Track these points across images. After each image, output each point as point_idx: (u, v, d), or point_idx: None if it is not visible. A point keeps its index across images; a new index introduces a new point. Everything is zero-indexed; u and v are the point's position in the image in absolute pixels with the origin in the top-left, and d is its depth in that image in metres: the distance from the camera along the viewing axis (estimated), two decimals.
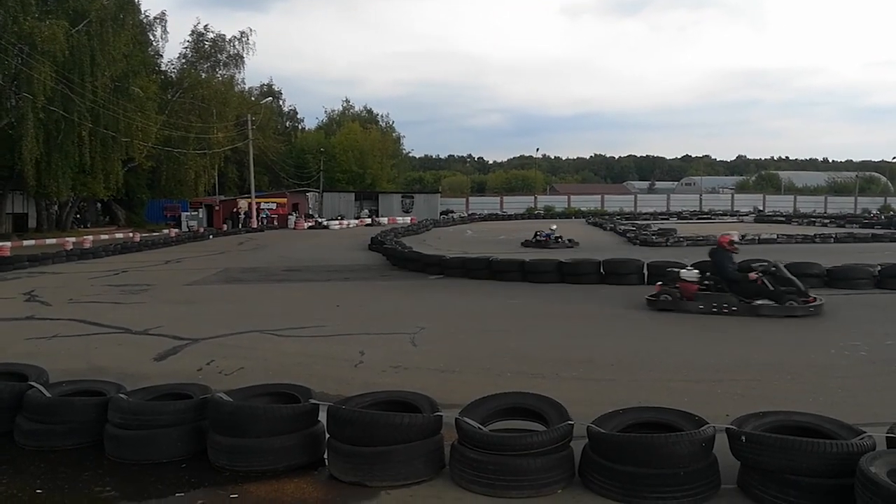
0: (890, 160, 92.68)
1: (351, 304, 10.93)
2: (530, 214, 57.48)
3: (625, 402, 4.79)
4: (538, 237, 23.48)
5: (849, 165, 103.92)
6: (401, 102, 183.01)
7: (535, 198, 68.27)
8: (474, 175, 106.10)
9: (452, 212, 56.68)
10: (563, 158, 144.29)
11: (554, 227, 24.68)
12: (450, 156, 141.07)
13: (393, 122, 77.35)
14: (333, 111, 75.03)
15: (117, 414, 4.32)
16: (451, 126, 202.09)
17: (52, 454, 4.35)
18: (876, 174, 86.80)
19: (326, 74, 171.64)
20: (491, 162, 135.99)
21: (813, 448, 3.30)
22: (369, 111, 76.32)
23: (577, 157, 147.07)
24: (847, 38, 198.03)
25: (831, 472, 3.26)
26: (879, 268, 12.03)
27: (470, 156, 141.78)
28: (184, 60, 46.51)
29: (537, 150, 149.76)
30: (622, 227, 32.25)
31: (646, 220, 45.18)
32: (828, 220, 39.61)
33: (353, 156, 61.63)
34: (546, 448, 3.60)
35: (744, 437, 3.47)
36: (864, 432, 3.50)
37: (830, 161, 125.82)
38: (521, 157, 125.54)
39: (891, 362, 6.59)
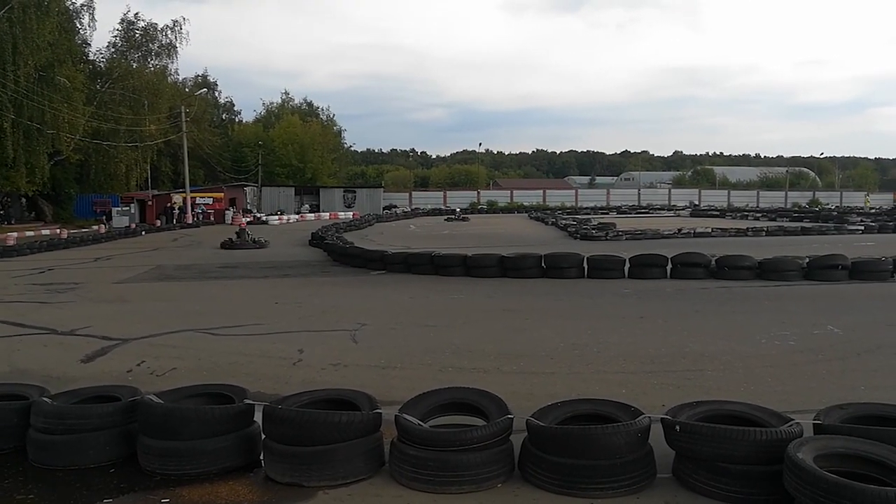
0: (818, 156, 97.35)
1: (290, 302, 10.71)
2: (473, 209, 57.74)
3: (564, 394, 4.83)
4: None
5: (780, 161, 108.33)
6: (343, 96, 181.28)
7: (479, 193, 68.68)
8: (417, 170, 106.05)
9: (395, 207, 56.50)
10: (506, 153, 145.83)
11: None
12: (393, 150, 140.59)
13: (334, 115, 76.69)
14: (272, 104, 73.82)
15: (40, 418, 4.11)
16: (394, 120, 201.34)
17: None
18: (805, 169, 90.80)
19: (266, 66, 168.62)
20: (434, 157, 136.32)
21: (743, 436, 3.39)
22: (310, 104, 75.40)
23: (520, 153, 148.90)
24: (779, 38, 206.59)
25: (761, 459, 3.35)
26: (808, 260, 12.56)
27: (413, 150, 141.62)
28: (113, 50, 44.85)
29: (480, 144, 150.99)
30: (563, 221, 32.76)
31: (587, 214, 46.05)
32: (760, 214, 41.23)
33: (292, 149, 60.69)
34: (485, 442, 3.59)
35: (678, 427, 3.53)
36: (792, 420, 3.62)
37: (763, 157, 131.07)
38: (465, 151, 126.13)
39: (818, 351, 6.87)
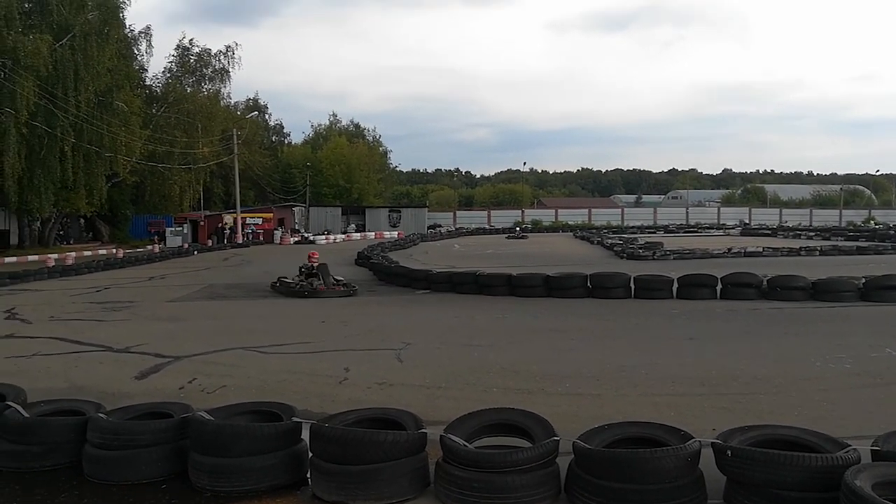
0: (873, 173, 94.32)
1: (336, 321, 10.85)
2: (518, 228, 57.61)
3: (611, 416, 4.76)
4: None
5: (833, 179, 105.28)
6: (388, 117, 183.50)
7: (523, 212, 68.46)
8: (462, 189, 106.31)
9: (440, 226, 56.74)
10: (551, 172, 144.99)
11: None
12: (437, 170, 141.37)
13: (380, 136, 77.63)
14: (320, 125, 75.09)
15: (96, 434, 4.24)
16: (438, 140, 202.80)
17: (30, 475, 4.25)
18: (860, 187, 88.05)
19: (314, 89, 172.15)
20: (478, 176, 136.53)
21: (798, 462, 3.29)
22: (356, 125, 76.48)
23: (565, 171, 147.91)
24: (827, 52, 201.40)
25: (816, 485, 3.25)
26: (864, 280, 12.13)
27: (457, 170, 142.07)
28: (169, 75, 46.43)
29: (524, 163, 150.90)
30: (609, 240, 32.40)
31: (633, 233, 45.41)
32: (813, 233, 40.01)
33: (339, 170, 61.59)
34: (531, 464, 3.56)
35: (729, 452, 3.45)
36: (849, 445, 3.49)
37: (815, 174, 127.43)
38: (509, 171, 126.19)
39: (875, 375, 6.62)
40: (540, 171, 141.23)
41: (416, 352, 8.06)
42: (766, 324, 9.85)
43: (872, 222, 56.07)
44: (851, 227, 48.79)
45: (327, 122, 75.25)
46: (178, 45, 46.89)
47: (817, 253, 24.59)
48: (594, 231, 46.23)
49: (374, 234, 48.09)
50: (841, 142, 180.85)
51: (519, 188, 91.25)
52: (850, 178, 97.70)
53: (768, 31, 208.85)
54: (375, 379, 6.69)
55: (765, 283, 12.30)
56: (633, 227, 55.87)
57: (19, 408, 4.60)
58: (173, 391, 6.29)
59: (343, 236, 47.23)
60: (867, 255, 24.20)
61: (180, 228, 41.98)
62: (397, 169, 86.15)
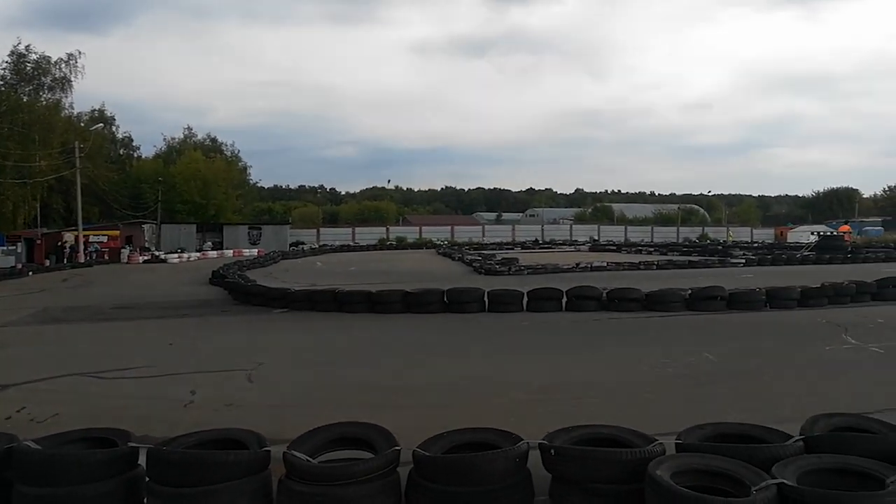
0: (707, 194, 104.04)
1: (185, 343, 10.41)
2: (382, 245, 57.82)
3: (456, 425, 4.98)
4: None
5: (672, 198, 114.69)
6: (250, 132, 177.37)
7: (388, 228, 68.87)
8: (326, 206, 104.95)
9: (303, 243, 55.71)
10: (416, 190, 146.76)
11: None
12: (301, 186, 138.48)
13: (238, 151, 74.81)
14: (174, 139, 71.40)
15: None
16: (302, 157, 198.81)
17: None
18: (695, 206, 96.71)
19: (168, 102, 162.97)
20: (343, 193, 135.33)
21: (609, 457, 3.66)
22: (213, 139, 73.41)
23: (429, 189, 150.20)
24: (668, 84, 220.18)
25: (626, 477, 3.61)
26: (689, 292, 13.41)
27: (322, 186, 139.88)
28: (2, 83, 42.36)
29: (389, 181, 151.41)
30: (469, 257, 33.38)
31: (493, 250, 47.03)
32: (653, 249, 43.54)
33: (195, 185, 58.86)
34: (372, 475, 3.69)
35: (553, 451, 3.77)
36: (656, 440, 3.92)
37: (657, 194, 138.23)
38: (374, 188, 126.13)
39: (691, 377, 7.39)
40: (405, 189, 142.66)
41: (269, 372, 7.95)
42: (604, 333, 10.65)
43: (710, 239, 61.89)
44: (687, 243, 53.50)
45: (181, 136, 71.81)
46: (12, 52, 42.84)
47: (654, 267, 26.73)
48: (456, 248, 47.38)
49: (232, 251, 46.38)
50: (680, 165, 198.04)
51: (384, 205, 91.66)
52: (687, 199, 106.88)
53: (615, 62, 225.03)
54: (224, 401, 6.54)
55: (604, 295, 13.26)
56: (493, 243, 57.87)
57: None
58: None
59: (198, 255, 45.12)
60: (697, 268, 26.61)
61: (13, 248, 38.20)
62: (258, 185, 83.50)
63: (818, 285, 13.87)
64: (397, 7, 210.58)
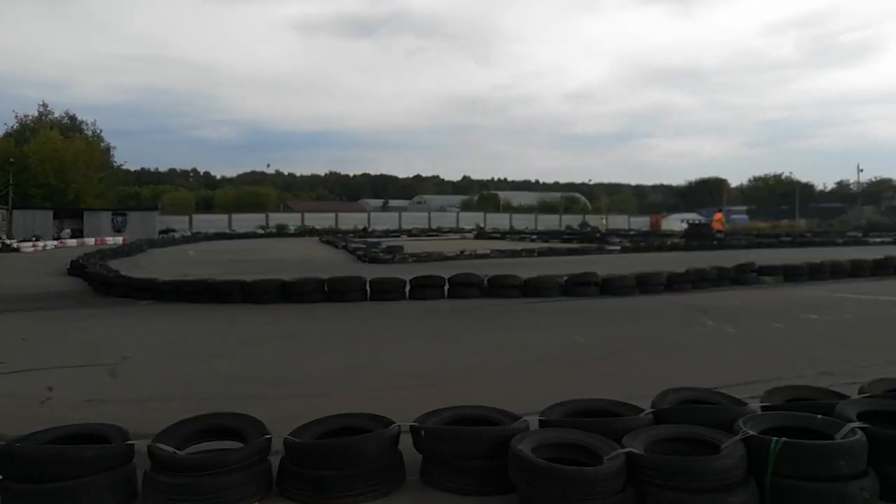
0: (588, 182, 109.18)
1: (40, 338, 9.69)
2: (262, 233, 56.21)
3: (334, 413, 5.00)
4: None
5: (555, 187, 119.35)
6: (115, 110, 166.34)
7: (268, 215, 66.99)
8: (200, 191, 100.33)
9: (174, 230, 53.18)
10: (298, 175, 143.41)
11: None
12: (171, 169, 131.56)
13: (101, 130, 69.90)
14: (27, 116, 65.68)
15: None
16: (174, 138, 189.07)
17: None
18: (577, 194, 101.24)
19: (21, 75, 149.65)
20: (219, 177, 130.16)
21: (475, 435, 3.83)
22: (72, 117, 68.20)
23: (313, 174, 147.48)
24: (549, 72, 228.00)
25: (492, 454, 3.78)
26: (565, 278, 14.04)
27: (195, 170, 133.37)
28: None
29: (268, 165, 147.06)
30: (353, 245, 33.16)
31: (378, 237, 46.96)
32: (536, 236, 45.14)
33: (51, 167, 54.56)
34: (242, 464, 3.65)
35: (423, 432, 3.88)
36: (521, 418, 4.13)
37: (541, 182, 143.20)
38: (253, 172, 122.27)
39: (562, 360, 7.78)
40: (287, 174, 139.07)
41: (134, 366, 7.57)
42: (483, 319, 10.96)
43: (590, 227, 64.89)
44: (568, 231, 55.95)
45: (36, 113, 66.15)
46: None
47: (535, 254, 27.68)
48: (340, 235, 46.91)
49: (94, 240, 43.52)
50: (563, 154, 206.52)
51: (264, 191, 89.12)
52: (569, 187, 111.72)
53: (500, 49, 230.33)
54: (84, 397, 6.17)
55: (485, 282, 13.64)
56: (379, 231, 57.81)
57: None
58: None
59: (56, 243, 41.94)
60: (576, 255, 27.85)
61: None
62: (123, 167, 78.33)
63: (683, 271, 14.90)
64: None
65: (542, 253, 28.21)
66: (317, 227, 60.40)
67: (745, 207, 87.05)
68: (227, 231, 56.53)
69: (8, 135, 62.00)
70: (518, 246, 32.63)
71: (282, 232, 57.77)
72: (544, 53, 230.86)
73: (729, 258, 19.77)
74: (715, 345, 8.74)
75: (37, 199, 53.43)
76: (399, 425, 3.97)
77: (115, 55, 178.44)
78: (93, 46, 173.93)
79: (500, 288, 13.49)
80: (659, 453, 3.60)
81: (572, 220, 74.69)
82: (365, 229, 60.51)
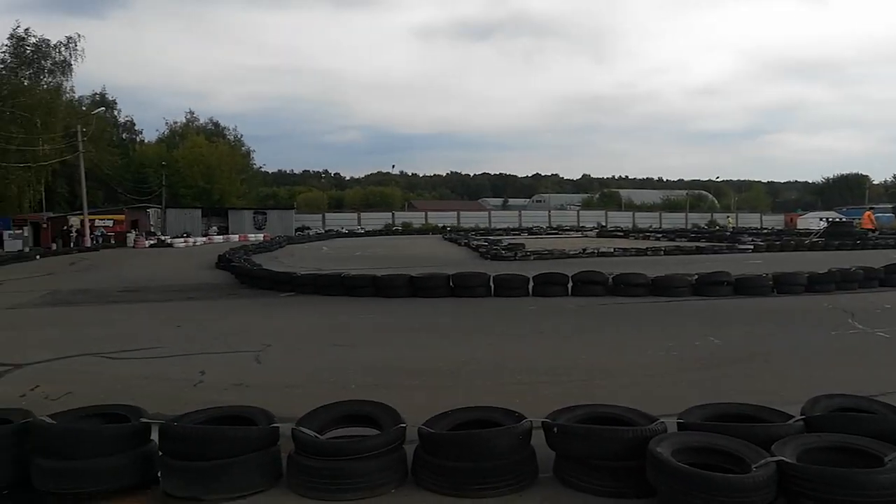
0: (715, 180, 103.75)
1: (193, 325, 10.53)
2: (388, 230, 57.90)
3: (462, 405, 5.06)
4: None
5: (680, 184, 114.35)
6: (253, 117, 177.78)
7: (393, 214, 68.93)
8: (331, 191, 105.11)
9: (308, 228, 55.93)
10: (421, 175, 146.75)
11: None
12: (305, 171, 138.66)
13: (241, 135, 75.01)
14: (176, 123, 71.48)
15: None
16: (306, 142, 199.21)
17: None
18: (704, 192, 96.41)
19: (170, 86, 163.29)
20: (348, 178, 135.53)
21: (612, 434, 3.73)
22: (216, 124, 73.59)
23: (435, 175, 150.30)
24: (674, 69, 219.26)
25: (629, 455, 3.68)
26: (696, 277, 13.42)
27: (326, 171, 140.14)
28: (1, 66, 42.38)
29: (393, 166, 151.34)
30: (475, 242, 33.41)
31: (499, 235, 47.01)
32: (661, 235, 43.41)
33: (198, 170, 59.03)
34: (379, 451, 3.78)
35: (555, 429, 3.84)
36: (658, 419, 3.99)
37: (665, 180, 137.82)
38: (379, 173, 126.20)
39: (696, 360, 7.44)
40: (410, 174, 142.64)
41: (276, 353, 8.05)
42: (609, 317, 10.70)
43: (718, 225, 61.60)
44: (695, 230, 53.41)
45: (184, 120, 71.83)
46: (11, 35, 42.83)
47: (661, 253, 26.65)
48: (462, 233, 47.43)
49: (237, 236, 46.58)
50: (687, 151, 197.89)
51: (389, 191, 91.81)
52: (695, 185, 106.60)
53: (618, 48, 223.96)
54: (232, 381, 6.63)
55: (610, 280, 13.30)
56: (499, 229, 57.84)
57: None
58: (14, 399, 5.88)
59: (204, 239, 45.34)
60: (705, 254, 26.55)
61: (20, 231, 38.49)
62: (262, 169, 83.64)
63: (825, 271, 13.85)
64: None
65: (668, 251, 27.08)
66: (439, 225, 61.47)
67: (890, 205, 79.62)
68: (356, 228, 58.73)
69: (160, 140, 67.85)
70: (642, 244, 31.53)
71: (406, 229, 59.24)
72: (665, 49, 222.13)
73: (875, 258, 18.11)
74: (865, 349, 8.02)
75: (186, 199, 58.01)
76: (531, 421, 3.95)
77: (252, 66, 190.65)
78: (232, 59, 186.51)
79: (626, 286, 13.11)
80: (813, 463, 3.35)
81: (699, 219, 71.13)
82: (486, 228, 60.87)
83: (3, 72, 42.08)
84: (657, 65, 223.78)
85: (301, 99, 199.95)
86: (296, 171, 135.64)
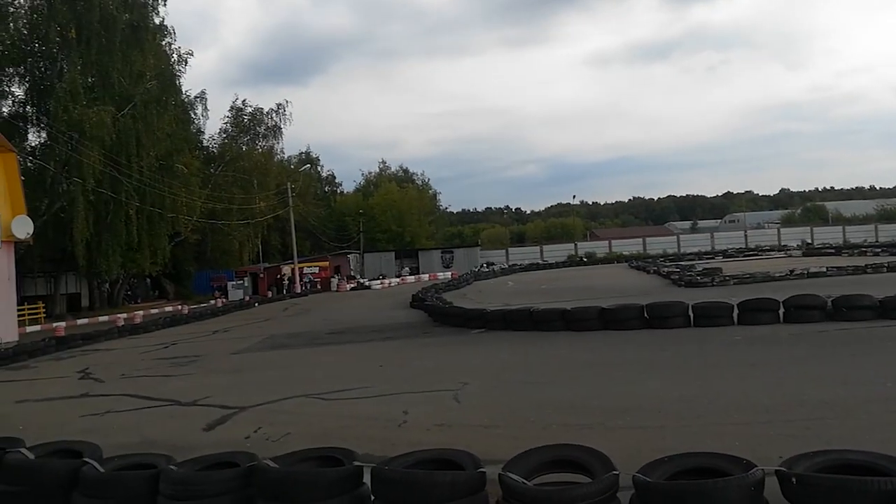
0: None
1: (394, 364, 10.98)
2: (571, 261, 57.13)
3: (673, 449, 4.66)
4: None
5: None
6: (436, 160, 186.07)
7: (576, 245, 67.92)
8: (513, 226, 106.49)
9: (493, 264, 56.72)
10: (602, 203, 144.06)
11: None
12: (487, 208, 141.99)
13: (428, 179, 79.11)
14: (370, 173, 76.93)
15: (168, 485, 4.41)
16: (487, 180, 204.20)
17: None
18: None
19: (363, 140, 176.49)
20: (528, 212, 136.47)
21: (868, 487, 3.19)
22: (405, 170, 78.11)
23: (616, 202, 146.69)
24: (875, 65, 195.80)
25: None
26: None
27: (507, 207, 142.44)
28: (224, 135, 48.59)
29: (574, 196, 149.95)
30: (665, 269, 31.80)
31: (690, 260, 44.38)
32: (879, 249, 38.36)
33: (391, 215, 62.71)
34: (591, 500, 3.55)
35: (794, 479, 3.38)
36: None
37: (878, 188, 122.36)
38: (559, 204, 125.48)
39: None
40: (591, 203, 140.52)
41: (474, 391, 8.10)
42: (832, 346, 9.52)
43: None
44: None
45: (377, 170, 77.08)
46: (231, 107, 49.21)
47: (885, 269, 23.56)
48: (650, 260, 45.49)
49: (427, 275, 48.44)
50: None
51: (570, 221, 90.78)
52: None
53: (811, 49, 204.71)
54: (434, 420, 6.74)
55: (829, 303, 11.87)
56: (689, 253, 54.56)
57: (95, 463, 4.83)
58: (240, 441, 6.47)
59: (398, 280, 47.74)
60: None
61: (241, 282, 43.23)
62: (447, 210, 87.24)
63: None
64: (571, 23, 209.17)
65: (892, 268, 23.77)
66: (624, 252, 59.50)
67: None
68: (538, 261, 58.66)
69: (357, 190, 73.33)
70: (859, 261, 28.02)
71: (590, 259, 58.03)
72: (867, 45, 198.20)
73: None
74: None
75: (381, 243, 61.81)
76: (763, 469, 3.51)
77: (434, 113, 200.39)
78: (415, 108, 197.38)
79: (848, 309, 11.59)
80: None
81: None
82: (675, 253, 57.84)
83: (226, 140, 48.14)
84: (859, 62, 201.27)
85: (479, 139, 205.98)
86: (479, 209, 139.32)
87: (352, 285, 44.30)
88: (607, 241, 69.19)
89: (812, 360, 8.63)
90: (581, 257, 59.55)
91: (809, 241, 58.54)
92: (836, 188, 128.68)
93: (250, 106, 49.27)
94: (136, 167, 31.99)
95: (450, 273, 47.92)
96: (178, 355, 14.81)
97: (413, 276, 49.41)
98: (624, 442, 5.44)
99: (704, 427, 5.84)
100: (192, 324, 24.48)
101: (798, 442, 5.02)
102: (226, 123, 48.75)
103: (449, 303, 19.39)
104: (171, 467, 4.61)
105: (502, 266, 54.19)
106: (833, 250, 41.68)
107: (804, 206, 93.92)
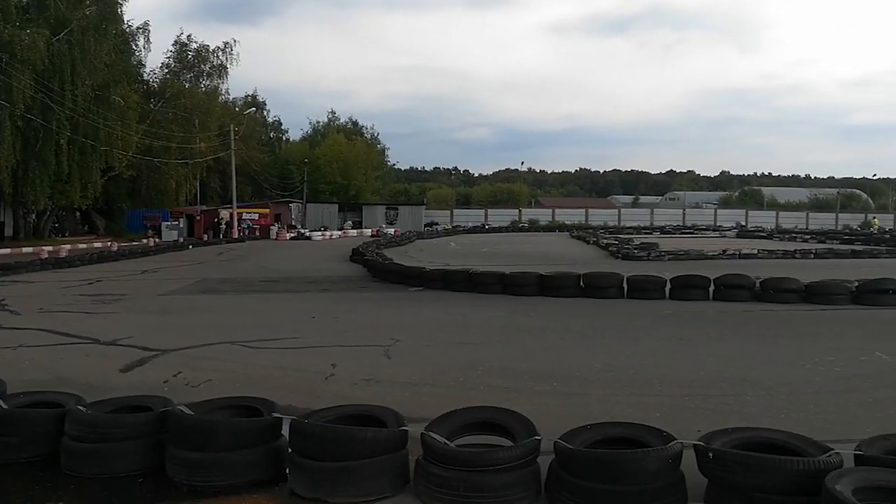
0: (870, 177, 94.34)
1: (327, 316, 10.80)
2: (515, 227, 57.58)
3: (597, 417, 4.71)
4: None
5: (830, 182, 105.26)
6: (388, 115, 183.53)
7: (520, 211, 68.45)
8: (460, 188, 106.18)
9: (437, 224, 56.69)
10: (549, 172, 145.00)
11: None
12: (435, 168, 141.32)
13: (378, 133, 77.64)
14: (318, 123, 75.04)
15: (74, 426, 4.19)
16: (437, 139, 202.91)
17: (6, 467, 4.20)
18: (856, 191, 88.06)
19: (314, 87, 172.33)
20: (476, 175, 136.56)
21: (779, 465, 3.25)
22: (354, 123, 76.50)
23: (563, 171, 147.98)
24: (824, 58, 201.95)
25: (797, 489, 3.21)
26: (857, 284, 12.09)
27: (455, 168, 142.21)
28: (166, 70, 46.44)
29: (522, 163, 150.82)
30: (605, 240, 32.35)
31: (629, 234, 45.26)
32: (809, 236, 39.95)
33: (337, 167, 61.59)
34: (512, 464, 3.53)
35: (710, 454, 3.41)
36: (832, 450, 3.45)
37: (812, 178, 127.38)
38: (507, 170, 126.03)
39: (864, 378, 6.59)
40: (538, 171, 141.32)
41: (405, 348, 8.02)
42: (757, 326, 9.82)
43: (871, 228, 55.90)
44: (847, 231, 48.77)
45: (326, 120, 75.25)
46: (175, 41, 47.04)
47: (812, 256, 24.53)
48: (590, 231, 46.18)
49: (370, 230, 48.03)
50: (838, 146, 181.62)
51: (517, 187, 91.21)
52: (846, 182, 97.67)
53: (765, 37, 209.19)
54: (362, 375, 6.64)
55: (757, 284, 12.27)
56: (629, 227, 55.73)
57: None
58: (157, 385, 6.23)
59: (339, 233, 47.20)
60: (862, 258, 24.17)
61: (176, 223, 41.93)
62: (395, 167, 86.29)
63: None
64: None
65: (819, 254, 24.78)
66: (566, 222, 60.31)
67: None
68: (482, 225, 58.86)
69: (304, 139, 71.56)
70: (789, 246, 29.13)
71: (533, 227, 58.60)
72: (818, 38, 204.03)
73: None
74: None
75: (325, 195, 60.71)
76: (682, 442, 3.54)
77: (388, 67, 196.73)
78: (370, 61, 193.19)
79: (775, 291, 12.00)
80: None
81: (850, 220, 64.57)
82: (616, 226, 58.91)
83: (168, 75, 46.03)
84: (809, 55, 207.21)
85: (434, 98, 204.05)
86: (427, 168, 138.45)
87: (292, 235, 43.53)
88: (551, 210, 70.00)
89: (737, 338, 8.88)
90: (523, 224, 60.04)
91: (744, 223, 60.57)
92: (773, 174, 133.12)
93: (196, 42, 47.24)
94: (71, 96, 30.35)
95: (393, 230, 47.62)
96: (103, 293, 14.24)
97: (356, 231, 48.93)
98: (549, 408, 5.47)
99: (628, 397, 5.92)
100: (120, 261, 23.62)
101: (718, 417, 5.14)
102: (169, 58, 46.66)
103: (389, 259, 19.22)
104: (80, 408, 4.39)
105: (446, 227, 54.17)
106: (765, 234, 43.19)
107: (742, 190, 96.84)
